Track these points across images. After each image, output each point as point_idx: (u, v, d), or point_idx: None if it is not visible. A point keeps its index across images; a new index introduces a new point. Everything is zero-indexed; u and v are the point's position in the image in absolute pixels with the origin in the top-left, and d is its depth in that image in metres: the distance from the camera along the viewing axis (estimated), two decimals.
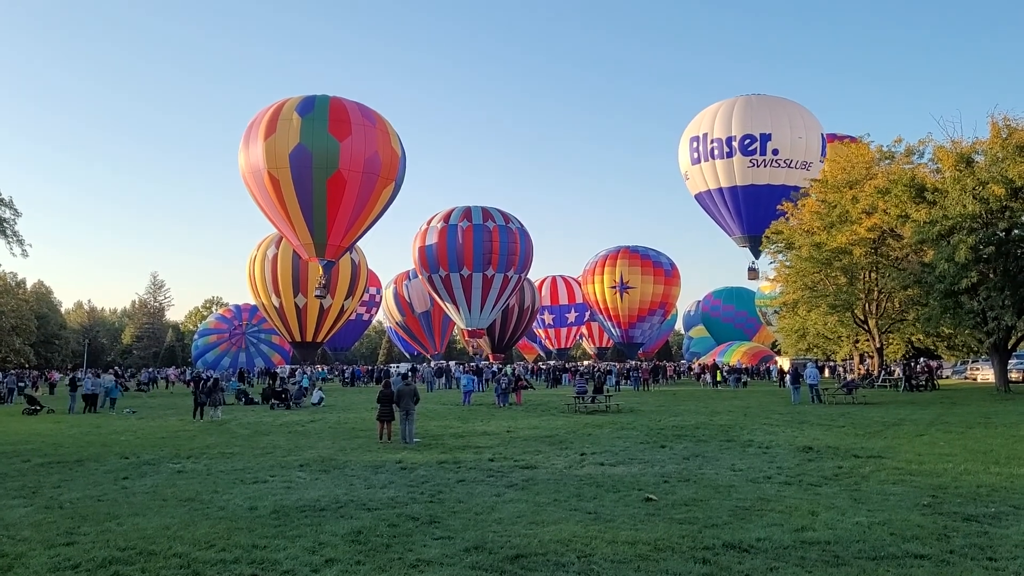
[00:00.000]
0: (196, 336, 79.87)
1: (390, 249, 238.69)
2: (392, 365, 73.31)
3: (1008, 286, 30.44)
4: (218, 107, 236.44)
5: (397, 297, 74.81)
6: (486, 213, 59.89)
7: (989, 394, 31.82)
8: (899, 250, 36.22)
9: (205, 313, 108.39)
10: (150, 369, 71.15)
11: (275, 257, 56.15)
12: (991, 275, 30.86)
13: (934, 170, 34.19)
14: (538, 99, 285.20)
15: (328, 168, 44.32)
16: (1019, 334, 33.96)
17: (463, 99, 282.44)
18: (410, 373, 52.77)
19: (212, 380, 29.36)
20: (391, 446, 16.74)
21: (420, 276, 62.99)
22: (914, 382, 37.20)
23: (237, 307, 77.52)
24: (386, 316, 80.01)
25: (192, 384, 40.19)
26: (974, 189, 30.00)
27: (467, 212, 59.73)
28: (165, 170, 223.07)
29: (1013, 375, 37.75)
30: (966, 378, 47.30)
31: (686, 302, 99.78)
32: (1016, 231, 30.68)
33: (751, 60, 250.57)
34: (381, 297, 77.15)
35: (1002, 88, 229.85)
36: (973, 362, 47.29)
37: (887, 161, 38.01)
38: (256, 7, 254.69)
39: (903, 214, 32.54)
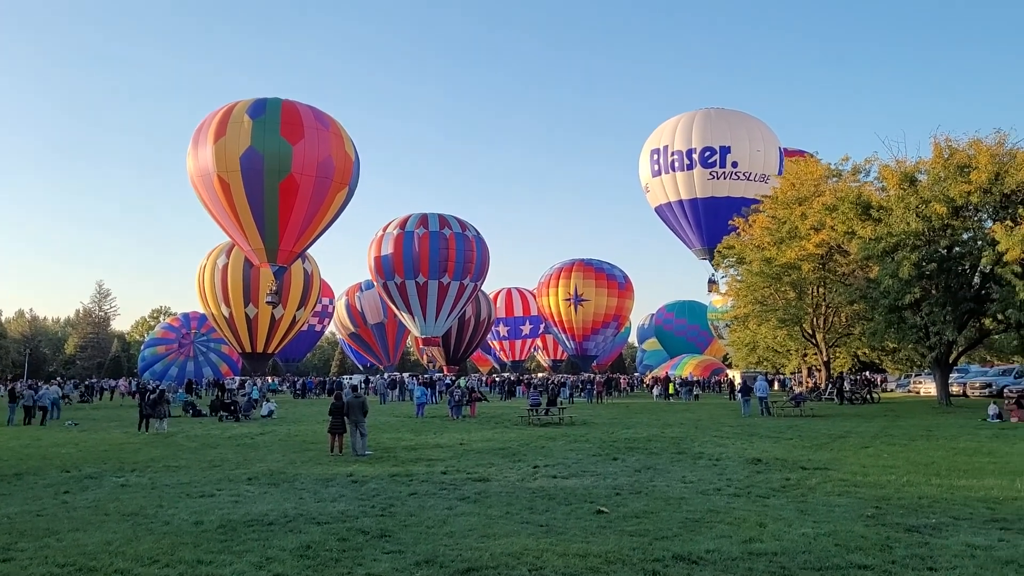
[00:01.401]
0: (143, 346, 78.16)
1: (343, 260, 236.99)
2: (345, 377, 72.60)
3: (949, 302, 31.33)
4: (167, 109, 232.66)
5: (350, 308, 74.22)
6: (443, 220, 59.82)
7: (931, 407, 32.65)
8: (846, 266, 37.04)
9: (152, 323, 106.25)
10: (92, 379, 69.41)
11: (225, 266, 55.29)
12: (933, 291, 31.72)
13: (879, 188, 35.10)
14: (496, 109, 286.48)
15: (280, 172, 43.83)
16: (959, 349, 34.93)
17: (419, 108, 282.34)
18: (362, 385, 52.37)
19: (158, 391, 28.73)
20: (342, 459, 16.56)
21: (375, 283, 62.52)
22: (848, 396, 37.85)
23: (185, 316, 76.04)
24: (338, 327, 79.28)
25: (137, 395, 39.27)
26: (917, 207, 30.84)
27: (424, 219, 59.57)
28: (110, 175, 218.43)
29: (954, 389, 38.79)
30: (909, 391, 48.45)
31: (640, 315, 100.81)
32: (957, 248, 31.59)
33: (710, 73, 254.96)
34: (334, 308, 76.46)
35: (946, 110, 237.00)
36: (916, 376, 48.47)
37: (835, 179, 38.89)
38: (205, 12, 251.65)
39: (850, 231, 33.32)
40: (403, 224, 59.52)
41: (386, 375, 60.18)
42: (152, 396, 26.28)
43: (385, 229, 60.44)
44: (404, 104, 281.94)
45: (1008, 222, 29.29)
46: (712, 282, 54.96)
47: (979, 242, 30.89)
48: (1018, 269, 28.24)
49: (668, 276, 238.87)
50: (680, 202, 56.00)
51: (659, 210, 58.34)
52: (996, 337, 35.84)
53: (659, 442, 19.25)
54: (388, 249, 58.84)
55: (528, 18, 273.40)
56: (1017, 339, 34.29)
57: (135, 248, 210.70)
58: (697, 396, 47.14)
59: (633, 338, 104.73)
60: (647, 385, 60.55)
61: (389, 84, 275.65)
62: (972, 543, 8.00)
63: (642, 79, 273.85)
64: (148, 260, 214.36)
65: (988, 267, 30.25)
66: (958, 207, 30.70)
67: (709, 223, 53.50)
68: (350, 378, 65.23)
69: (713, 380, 61.07)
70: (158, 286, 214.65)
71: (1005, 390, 37.25)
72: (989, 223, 31.22)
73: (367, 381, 58.06)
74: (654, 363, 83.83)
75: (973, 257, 30.94)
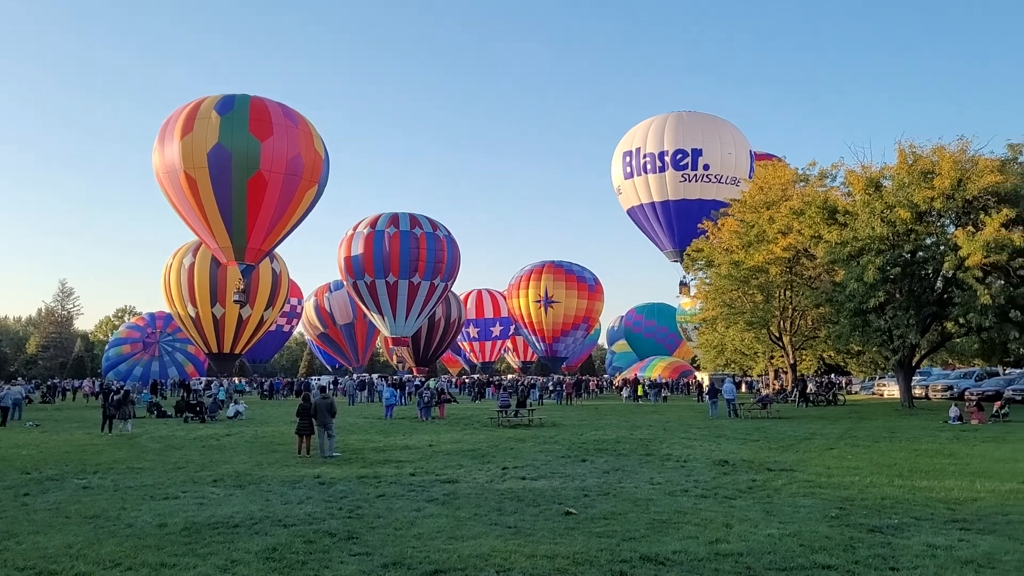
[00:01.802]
0: (107, 346, 76.88)
1: (312, 261, 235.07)
2: (313, 378, 72.05)
3: (912, 306, 31.84)
4: (132, 108, 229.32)
5: (318, 308, 73.65)
6: (414, 220, 59.54)
7: (894, 409, 33.16)
8: (812, 269, 37.47)
9: (116, 322, 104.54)
10: (55, 379, 68.13)
11: (192, 266, 54.57)
12: (897, 295, 32.20)
13: (845, 193, 35.54)
14: (468, 111, 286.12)
15: (249, 169, 43.33)
16: (922, 352, 35.49)
17: (390, 109, 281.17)
18: (330, 386, 52.01)
19: (122, 392, 28.29)
20: (310, 461, 16.44)
21: (345, 283, 62.07)
22: (812, 398, 38.33)
23: (151, 315, 74.85)
24: (307, 328, 78.65)
25: (101, 396, 38.63)
26: (882, 212, 31.30)
27: (394, 218, 59.26)
28: (73, 173, 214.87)
29: (917, 391, 39.43)
30: (873, 394, 49.17)
31: (609, 317, 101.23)
32: (920, 253, 32.08)
33: (682, 76, 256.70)
34: (302, 308, 75.83)
35: (912, 116, 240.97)
36: (880, 378, 49.20)
37: (802, 183, 39.34)
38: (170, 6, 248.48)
39: (816, 235, 33.72)
40: (374, 223, 59.17)
41: (355, 376, 59.82)
42: (116, 397, 25.91)
43: (355, 228, 60.05)
44: (374, 105, 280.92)
45: (970, 228, 29.84)
46: (683, 284, 55.34)
47: (942, 247, 31.40)
48: (979, 274, 28.76)
49: (639, 278, 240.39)
50: (652, 204, 56.34)
51: (631, 212, 58.63)
52: (958, 341, 36.42)
53: (628, 444, 19.34)
54: (358, 248, 58.45)
55: (501, 20, 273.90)
56: (978, 343, 34.90)
57: (99, 246, 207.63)
58: (666, 398, 47.45)
59: (603, 340, 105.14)
60: (616, 387, 60.81)
61: (359, 85, 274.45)
62: (933, 543, 8.14)
63: (614, 82, 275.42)
64: (113, 259, 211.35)
65: (950, 272, 30.74)
66: (922, 212, 31.20)
67: (681, 225, 53.85)
68: (318, 379, 64.71)
69: (682, 382, 61.49)
70: (123, 285, 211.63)
71: (966, 393, 37.97)
72: (952, 228, 31.75)
73: (336, 382, 57.65)
74: (623, 365, 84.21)
75: (936, 262, 31.44)
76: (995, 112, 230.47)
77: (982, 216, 29.87)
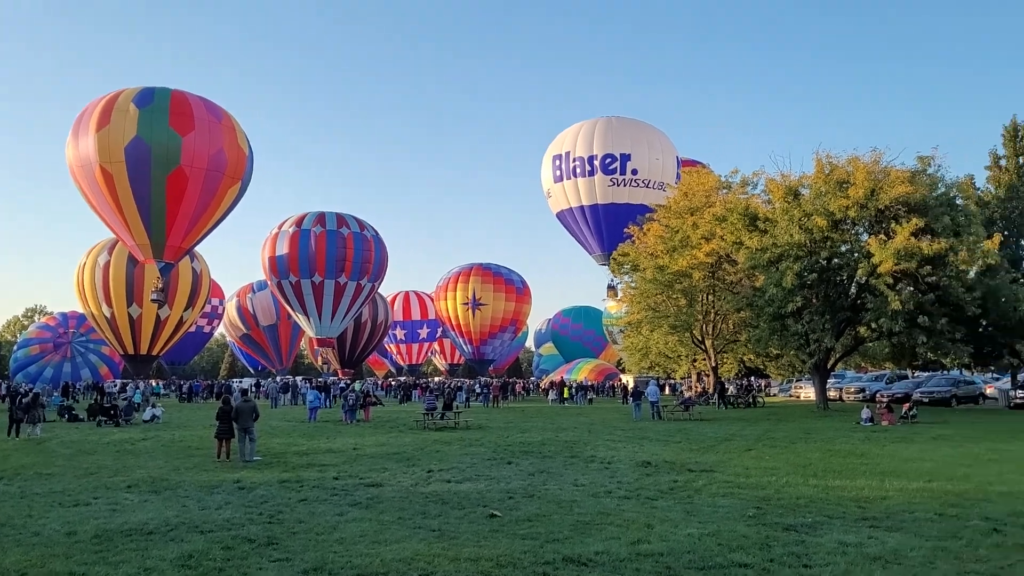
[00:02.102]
0: (15, 347, 73.55)
1: (234, 260, 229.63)
2: (235, 380, 70.35)
3: (828, 311, 33.00)
4: (39, 98, 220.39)
5: (241, 309, 71.98)
6: (341, 219, 58.70)
7: (810, 411, 34.26)
8: (734, 275, 38.44)
9: (26, 322, 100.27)
10: None
11: (107, 264, 52.64)
12: (814, 300, 33.30)
13: (766, 201, 36.60)
14: (395, 113, 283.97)
15: (168, 164, 41.96)
16: (837, 355, 36.79)
17: (316, 109, 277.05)
18: (252, 388, 50.92)
19: (31, 394, 27.11)
20: (229, 465, 16.04)
21: (269, 282, 60.76)
22: (731, 400, 39.32)
23: (63, 315, 71.91)
24: (228, 329, 76.78)
25: (8, 399, 36.95)
26: (800, 220, 32.33)
27: (321, 217, 58.30)
28: None
29: (831, 393, 40.83)
30: (791, 396, 50.71)
31: (537, 320, 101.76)
32: (836, 260, 33.24)
33: (610, 81, 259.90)
34: (224, 309, 74.00)
35: (830, 127, 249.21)
36: (797, 381, 50.76)
37: (725, 190, 40.33)
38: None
39: (738, 241, 34.63)
40: (299, 222, 58.11)
41: (278, 379, 58.65)
42: (25, 400, 24.82)
43: (280, 227, 58.89)
44: (299, 105, 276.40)
45: (882, 236, 31.08)
46: (611, 288, 56.10)
47: (856, 254, 32.63)
48: (890, 280, 29.96)
49: (567, 282, 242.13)
50: (581, 208, 56.99)
51: (560, 215, 59.16)
52: (870, 344, 37.93)
53: (553, 446, 19.47)
54: (283, 248, 57.32)
55: (428, 22, 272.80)
56: (888, 347, 36.42)
57: (6, 243, 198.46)
58: (591, 400, 47.95)
59: (530, 343, 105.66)
60: (543, 389, 61.20)
61: (282, 84, 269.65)
62: (844, 540, 8.43)
63: (544, 84, 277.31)
64: (22, 256, 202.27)
65: (863, 278, 31.94)
66: (837, 220, 32.34)
67: (609, 229, 54.59)
68: (240, 382, 63.21)
69: (607, 384, 62.25)
70: (33, 284, 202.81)
71: (877, 395, 39.50)
72: (865, 236, 33.03)
73: (258, 385, 56.43)
74: (550, 367, 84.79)
75: (850, 268, 32.62)
76: (912, 120, 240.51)
77: (893, 225, 31.13)
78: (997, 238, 32.24)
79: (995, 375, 49.94)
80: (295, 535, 9.03)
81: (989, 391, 42.38)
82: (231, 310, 73.21)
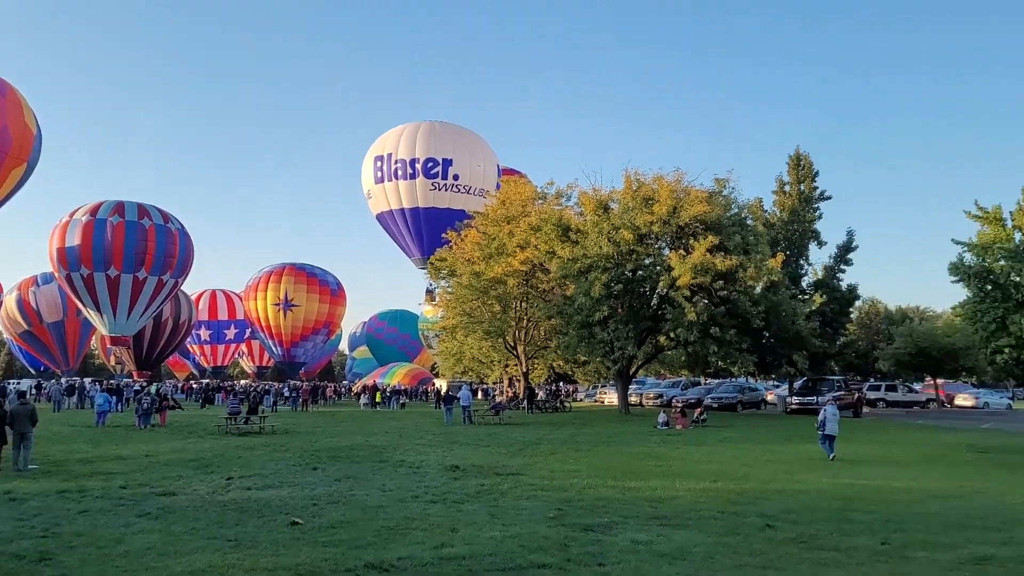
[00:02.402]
0: None
1: (15, 250, 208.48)
2: (11, 381, 63.86)
3: (632, 320, 34.82)
4: None
5: (22, 304, 65.42)
6: (142, 210, 54.66)
7: (614, 415, 35.93)
8: (546, 283, 39.63)
9: None
10: None
11: None
12: (619, 310, 35.01)
13: (578, 213, 38.08)
14: (205, 105, 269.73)
15: None
16: (639, 363, 38.84)
17: (116, 93, 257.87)
18: (32, 391, 46.54)
19: None
20: (1, 474, 14.53)
21: (56, 275, 55.53)
22: (539, 405, 40.57)
23: None
24: (6, 325, 69.61)
25: None
26: (609, 233, 33.90)
27: (119, 207, 53.94)
28: None
29: (633, 399, 43.04)
30: (596, 401, 52.97)
31: (352, 323, 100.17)
32: (640, 272, 35.13)
33: (433, 85, 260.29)
34: (2, 303, 67.06)
35: (635, 146, 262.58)
36: (602, 387, 53.09)
37: (541, 201, 41.56)
38: None
39: (551, 250, 35.79)
40: (94, 211, 53.53)
41: (63, 380, 53.85)
42: None
43: (72, 215, 53.97)
44: (99, 88, 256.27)
45: (681, 251, 33.18)
46: (430, 292, 56.18)
47: (658, 267, 34.64)
48: (687, 293, 32.02)
49: (384, 284, 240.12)
50: (401, 210, 56.79)
51: (381, 217, 58.62)
52: (668, 353, 40.38)
53: (362, 451, 19.20)
54: (75, 238, 52.53)
55: (250, 11, 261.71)
56: (685, 355, 38.89)
57: None
58: (404, 405, 47.80)
59: (344, 346, 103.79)
60: (355, 393, 60.27)
61: (81, 64, 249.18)
62: (636, 539, 8.87)
63: (366, 87, 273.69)
64: None
65: (664, 290, 33.96)
66: (642, 235, 34.21)
67: (429, 233, 54.75)
68: (17, 383, 57.40)
69: (420, 389, 62.25)
70: None
71: (673, 400, 42.09)
72: (667, 251, 35.13)
73: (39, 387, 51.59)
74: (364, 371, 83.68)
75: (652, 281, 34.57)
76: (709, 141, 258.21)
77: (692, 241, 33.33)
78: (780, 257, 35.36)
79: (775, 383, 54.74)
80: (72, 549, 8.32)
81: (770, 397, 46.31)
82: (10, 304, 66.37)
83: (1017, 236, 41.74)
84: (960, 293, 50.56)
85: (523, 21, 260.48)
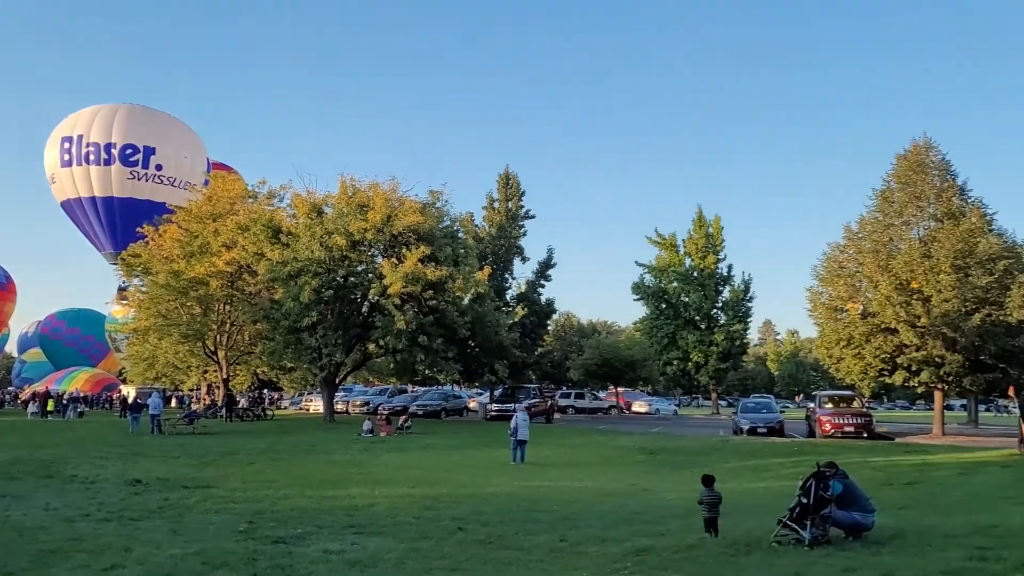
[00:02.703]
0: None
1: None
2: None
3: (341, 326, 34.48)
4: None
5: None
6: None
7: (319, 423, 35.25)
8: (253, 286, 37.99)
9: None
10: None
11: None
12: (329, 316, 34.47)
13: (291, 215, 36.99)
14: None
15: None
16: (347, 370, 38.50)
17: None
18: None
19: None
20: None
21: None
22: (239, 413, 38.95)
23: None
24: None
25: None
26: (322, 237, 33.28)
27: None
28: None
29: (339, 406, 42.57)
30: (301, 408, 51.70)
31: (23, 321, 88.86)
32: (352, 279, 34.88)
33: (132, 68, 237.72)
34: None
35: (354, 154, 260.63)
36: (308, 394, 51.96)
37: (251, 199, 39.78)
38: None
39: (260, 252, 34.36)
40: None
41: None
42: None
43: None
44: None
45: (394, 259, 33.49)
46: (122, 291, 51.25)
47: (370, 275, 34.63)
48: (398, 302, 32.35)
49: (65, 280, 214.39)
50: (93, 199, 51.43)
51: (66, 205, 52.61)
52: (377, 360, 40.49)
53: (24, 465, 16.99)
54: None
55: None
56: (393, 363, 39.22)
57: None
58: (82, 413, 43.30)
59: (12, 347, 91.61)
60: (23, 401, 53.35)
61: None
62: (329, 548, 8.72)
63: (49, 59, 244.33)
64: None
65: (375, 298, 34.06)
66: (356, 241, 34.00)
67: (125, 225, 49.95)
68: None
69: (104, 396, 56.66)
70: None
71: (379, 408, 42.30)
72: (379, 259, 35.25)
73: None
74: (36, 376, 74.39)
75: (364, 288, 34.53)
76: (425, 155, 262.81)
77: (404, 250, 33.79)
78: (487, 270, 37.01)
79: (479, 390, 57.15)
80: None
81: (472, 404, 48.19)
82: None
83: (688, 261, 47.82)
84: (641, 310, 57.16)
85: (248, 12, 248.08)
